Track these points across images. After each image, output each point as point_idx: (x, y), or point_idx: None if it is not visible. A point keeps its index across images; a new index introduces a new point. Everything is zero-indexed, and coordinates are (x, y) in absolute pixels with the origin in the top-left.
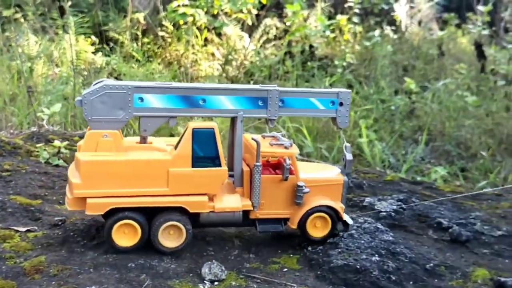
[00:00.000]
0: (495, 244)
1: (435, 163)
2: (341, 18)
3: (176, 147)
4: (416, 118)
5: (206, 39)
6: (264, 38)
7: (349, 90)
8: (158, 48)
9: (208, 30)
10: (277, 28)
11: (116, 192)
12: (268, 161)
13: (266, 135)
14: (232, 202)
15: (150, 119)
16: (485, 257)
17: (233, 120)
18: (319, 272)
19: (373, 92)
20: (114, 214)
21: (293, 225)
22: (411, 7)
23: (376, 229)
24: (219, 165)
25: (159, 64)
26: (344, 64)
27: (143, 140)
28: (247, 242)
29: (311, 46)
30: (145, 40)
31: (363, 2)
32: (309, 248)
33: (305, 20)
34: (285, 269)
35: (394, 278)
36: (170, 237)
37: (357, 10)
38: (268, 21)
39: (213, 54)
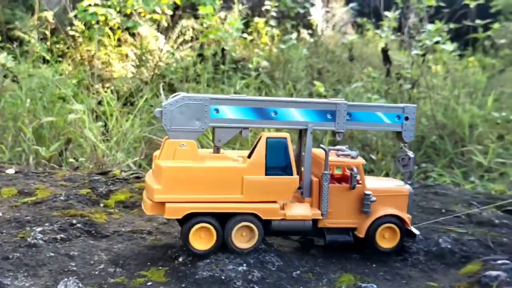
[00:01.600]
0: (365, 248)
1: None
2: (258, 21)
3: (249, 156)
4: None
5: (119, 40)
6: (181, 39)
7: (415, 105)
8: (68, 48)
9: (122, 31)
10: (194, 29)
11: (193, 198)
12: (332, 174)
13: (332, 148)
14: (302, 211)
15: (224, 130)
16: (354, 262)
17: (301, 133)
18: (183, 285)
19: (286, 95)
20: (190, 219)
21: (361, 234)
22: (327, 12)
23: None
24: (291, 174)
25: (69, 65)
26: (257, 66)
27: (217, 150)
28: (116, 255)
29: (223, 49)
30: (54, 39)
31: (280, 5)
32: (180, 260)
33: (223, 22)
34: (150, 283)
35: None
36: (243, 239)
37: (274, 13)
38: (184, 22)
39: (127, 55)
